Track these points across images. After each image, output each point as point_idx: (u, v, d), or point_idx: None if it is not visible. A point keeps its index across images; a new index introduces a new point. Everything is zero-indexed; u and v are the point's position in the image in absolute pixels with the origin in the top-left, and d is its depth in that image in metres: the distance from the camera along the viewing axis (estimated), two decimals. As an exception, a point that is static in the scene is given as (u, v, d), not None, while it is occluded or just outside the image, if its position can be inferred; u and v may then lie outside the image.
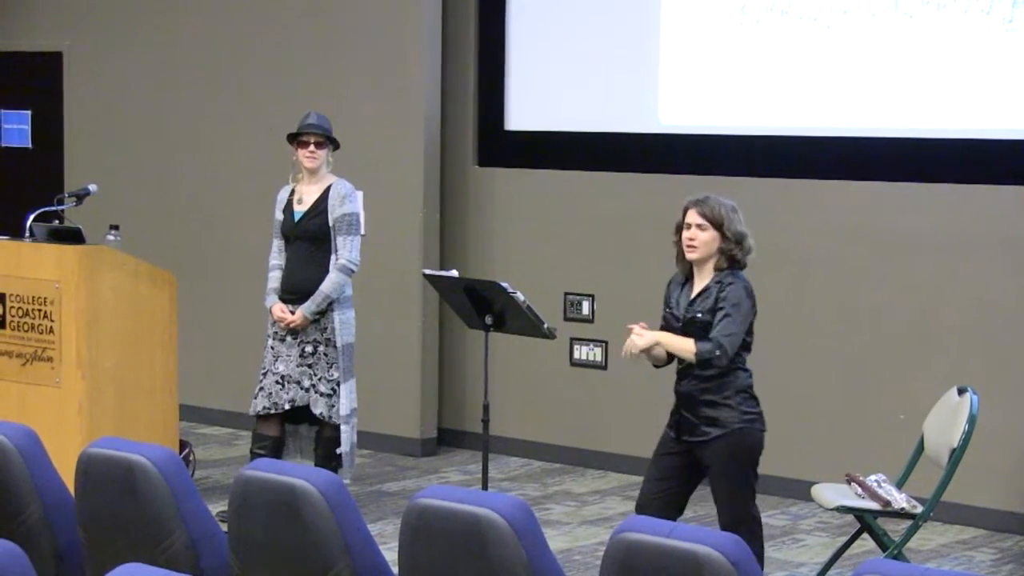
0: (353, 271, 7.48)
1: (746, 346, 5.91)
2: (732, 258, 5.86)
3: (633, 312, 8.84)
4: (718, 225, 5.84)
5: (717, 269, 5.89)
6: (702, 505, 8.17)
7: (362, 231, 7.67)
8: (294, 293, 7.52)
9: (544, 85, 9.26)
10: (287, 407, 7.50)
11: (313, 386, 7.47)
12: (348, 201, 7.48)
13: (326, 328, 7.46)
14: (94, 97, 10.67)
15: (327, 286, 7.41)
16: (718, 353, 5.76)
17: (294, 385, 7.47)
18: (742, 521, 5.84)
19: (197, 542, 4.53)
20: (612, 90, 8.97)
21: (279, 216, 7.64)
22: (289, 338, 7.49)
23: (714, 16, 8.59)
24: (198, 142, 10.21)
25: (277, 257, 7.64)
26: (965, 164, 7.97)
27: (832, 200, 8.32)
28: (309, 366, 7.47)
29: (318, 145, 7.53)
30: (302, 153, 7.54)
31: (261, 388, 7.52)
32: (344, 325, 7.49)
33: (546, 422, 9.24)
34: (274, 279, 7.61)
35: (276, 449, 7.52)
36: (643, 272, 8.80)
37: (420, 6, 9.23)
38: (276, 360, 7.51)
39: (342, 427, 7.47)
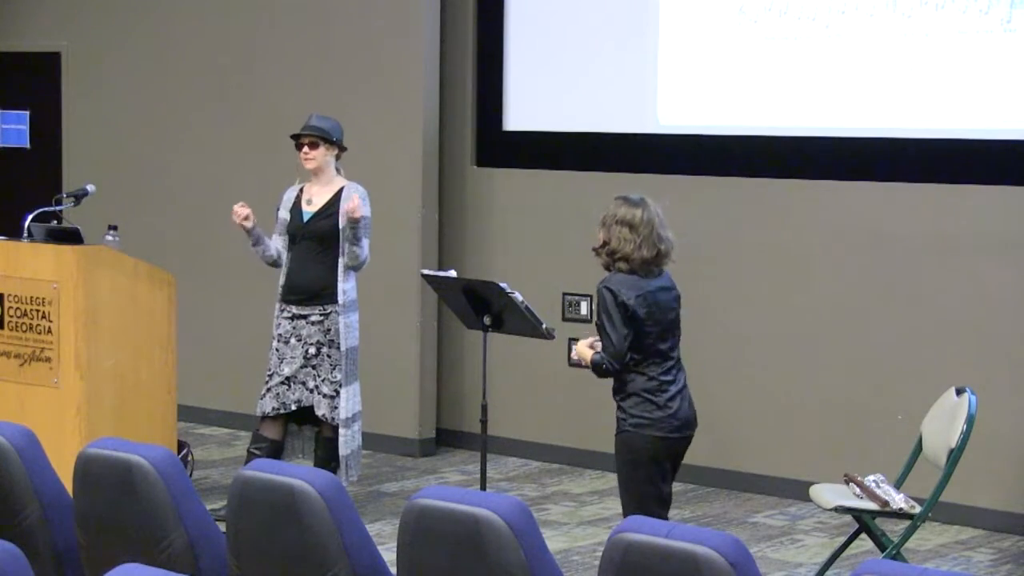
0: (366, 263, 7.50)
1: (643, 348, 5.89)
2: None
3: (632, 312, 8.87)
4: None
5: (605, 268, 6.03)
6: (699, 505, 8.18)
7: None
8: (299, 293, 7.51)
9: (542, 85, 9.25)
10: (294, 407, 7.51)
11: (317, 387, 7.47)
12: (365, 204, 7.48)
13: (329, 330, 7.46)
14: (93, 97, 10.66)
15: (367, 246, 7.45)
16: (604, 367, 5.86)
17: (299, 386, 7.48)
18: None
19: (195, 543, 4.53)
20: (610, 90, 8.96)
21: (284, 215, 7.63)
22: (293, 340, 7.49)
23: (712, 16, 8.59)
24: (197, 142, 10.20)
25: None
26: (965, 164, 7.97)
27: (832, 200, 8.31)
28: (313, 367, 7.47)
29: (311, 146, 7.52)
30: (300, 155, 7.56)
31: (268, 389, 7.53)
32: (348, 328, 7.48)
33: (544, 422, 9.24)
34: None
35: (273, 452, 7.52)
36: (642, 272, 8.79)
37: (419, 7, 9.23)
38: (281, 362, 7.51)
39: (341, 431, 7.46)
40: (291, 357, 7.50)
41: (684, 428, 5.92)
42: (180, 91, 10.26)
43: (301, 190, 7.64)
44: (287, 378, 7.49)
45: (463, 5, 9.44)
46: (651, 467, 5.90)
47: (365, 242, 7.49)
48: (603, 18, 8.95)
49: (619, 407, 5.93)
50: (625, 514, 5.92)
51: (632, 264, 5.89)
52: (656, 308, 5.89)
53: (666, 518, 5.94)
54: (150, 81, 10.39)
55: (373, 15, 9.40)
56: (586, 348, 5.94)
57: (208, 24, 10.13)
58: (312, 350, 7.47)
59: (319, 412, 7.48)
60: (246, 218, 7.48)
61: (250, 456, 7.39)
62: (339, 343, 7.47)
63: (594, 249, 6.01)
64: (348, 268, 7.49)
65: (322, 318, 7.46)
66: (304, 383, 7.48)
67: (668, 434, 5.88)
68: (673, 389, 5.91)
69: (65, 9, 10.77)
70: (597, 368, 5.88)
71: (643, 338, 5.87)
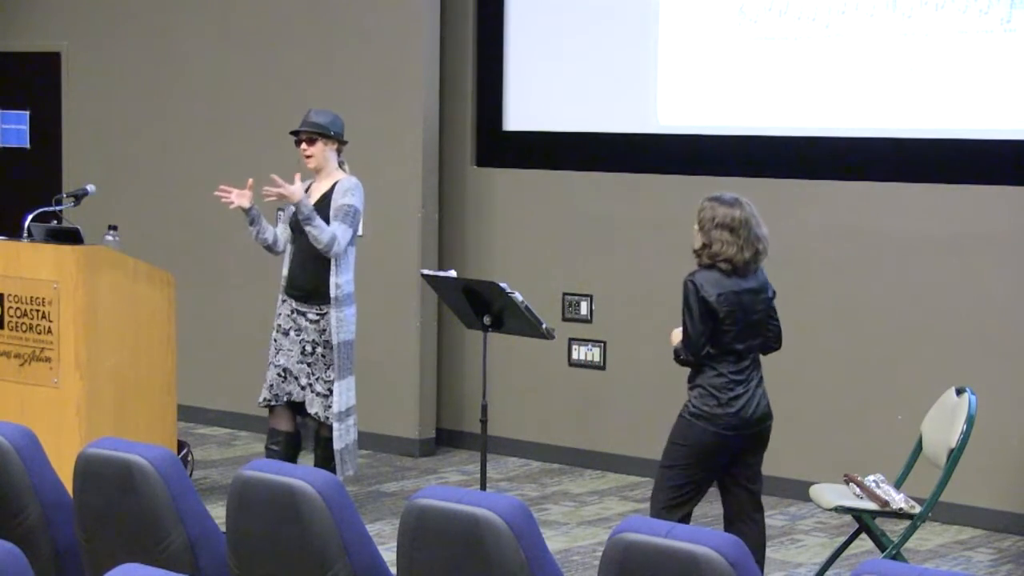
0: (333, 247, 7.29)
1: (718, 345, 6.00)
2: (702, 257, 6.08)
3: (632, 312, 8.88)
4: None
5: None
6: (699, 505, 8.17)
7: (359, 231, 7.61)
8: (298, 289, 7.49)
9: (542, 85, 9.25)
10: (286, 399, 7.49)
11: (310, 385, 7.45)
12: (350, 194, 7.40)
13: (325, 330, 7.43)
14: (93, 97, 10.66)
15: (325, 226, 7.29)
16: (682, 357, 6.05)
17: (294, 380, 7.47)
18: (653, 505, 6.12)
19: (195, 542, 4.53)
20: (610, 90, 8.96)
21: (291, 208, 7.58)
22: (292, 333, 7.47)
23: (712, 16, 8.59)
24: (197, 142, 10.20)
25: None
26: (965, 164, 7.97)
27: (832, 200, 8.32)
28: (308, 365, 7.46)
29: (309, 143, 7.49)
30: (300, 151, 7.54)
31: (266, 379, 7.53)
32: (341, 323, 7.43)
33: (544, 422, 9.24)
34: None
35: (290, 444, 7.50)
36: (642, 272, 8.80)
37: (419, 6, 9.23)
38: (278, 353, 7.51)
39: (335, 425, 7.44)
40: (288, 350, 7.49)
41: (743, 427, 6.03)
42: (180, 91, 10.26)
43: (310, 185, 7.63)
44: (284, 369, 7.48)
45: (463, 5, 9.44)
46: (696, 457, 6.03)
47: (337, 225, 7.31)
48: (603, 18, 8.95)
49: (688, 394, 6.09)
50: (653, 489, 6.17)
51: (735, 265, 6.00)
52: (739, 308, 6.00)
53: (684, 508, 6.09)
54: (150, 81, 10.39)
55: (373, 15, 9.40)
56: (676, 334, 6.10)
57: (208, 24, 10.13)
58: (308, 348, 7.45)
59: (312, 410, 7.46)
60: (242, 196, 7.44)
61: (269, 453, 7.39)
62: (332, 340, 7.42)
63: (694, 251, 6.08)
64: (330, 256, 7.37)
65: (319, 317, 7.44)
66: (298, 379, 7.47)
67: (722, 430, 6.00)
68: (740, 389, 6.02)
69: (65, 9, 10.77)
70: (676, 356, 6.07)
71: (720, 335, 5.99)
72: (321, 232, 7.28)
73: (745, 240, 5.99)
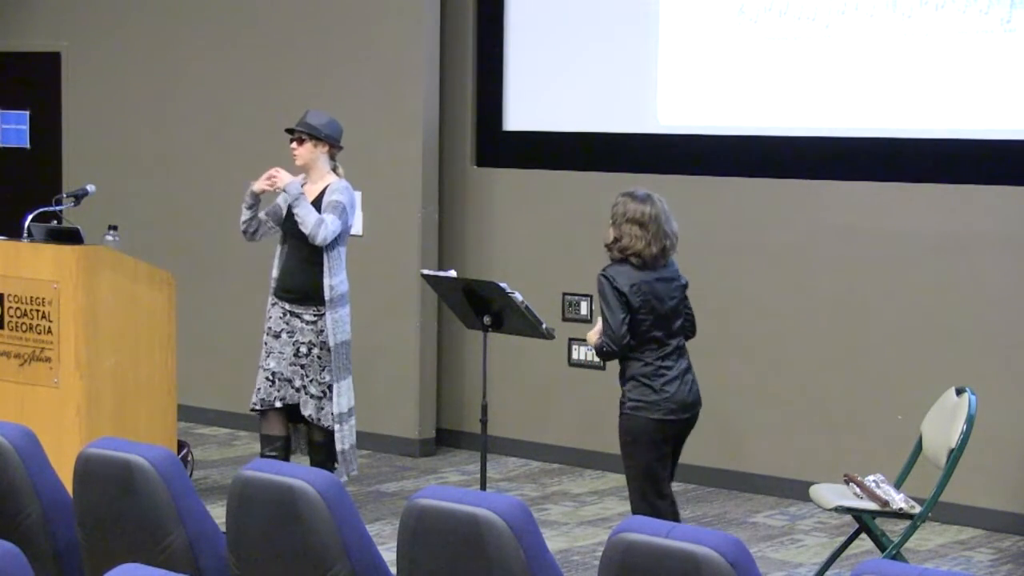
0: (320, 231, 7.21)
1: (638, 335, 6.13)
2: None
3: (632, 312, 8.87)
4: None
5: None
6: (699, 505, 8.18)
7: (352, 230, 7.52)
8: (292, 292, 7.46)
9: (542, 85, 9.25)
10: (278, 404, 7.42)
11: (304, 387, 7.40)
12: (338, 192, 7.33)
13: (322, 331, 7.39)
14: (93, 97, 10.66)
15: (312, 209, 7.27)
16: (604, 349, 6.17)
17: (285, 383, 7.40)
18: (636, 510, 6.16)
19: (195, 542, 4.53)
20: (610, 90, 8.96)
21: (281, 203, 7.52)
22: (284, 335, 7.43)
23: (713, 16, 8.59)
24: (197, 142, 10.20)
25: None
26: (965, 164, 7.97)
27: (832, 200, 8.32)
28: (302, 367, 7.39)
29: (297, 142, 7.45)
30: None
31: (256, 384, 7.49)
32: (337, 323, 7.38)
33: (544, 422, 9.24)
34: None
35: (286, 448, 7.48)
36: (642, 272, 8.79)
37: (419, 6, 9.23)
38: (268, 356, 7.44)
39: (335, 427, 7.40)
40: (279, 353, 7.42)
41: (680, 411, 6.18)
42: (180, 91, 10.26)
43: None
44: (272, 374, 7.41)
45: (463, 5, 9.44)
46: (648, 448, 6.15)
47: (327, 215, 7.27)
48: (603, 18, 8.95)
49: (622, 391, 6.22)
50: (631, 501, 6.23)
51: (644, 259, 6.16)
52: (652, 297, 6.17)
53: (665, 497, 6.20)
54: (150, 81, 10.39)
55: (373, 15, 9.40)
56: (593, 334, 6.23)
57: (208, 23, 10.13)
58: (304, 349, 7.39)
59: (305, 412, 7.38)
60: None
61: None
62: (328, 342, 7.37)
63: (606, 245, 6.25)
64: (318, 243, 7.33)
65: (316, 318, 7.39)
66: (290, 380, 7.40)
67: (664, 416, 6.14)
68: (670, 374, 6.17)
69: (65, 9, 10.77)
70: (599, 351, 6.19)
71: (638, 325, 6.14)
72: (308, 214, 7.25)
73: (654, 235, 6.16)
